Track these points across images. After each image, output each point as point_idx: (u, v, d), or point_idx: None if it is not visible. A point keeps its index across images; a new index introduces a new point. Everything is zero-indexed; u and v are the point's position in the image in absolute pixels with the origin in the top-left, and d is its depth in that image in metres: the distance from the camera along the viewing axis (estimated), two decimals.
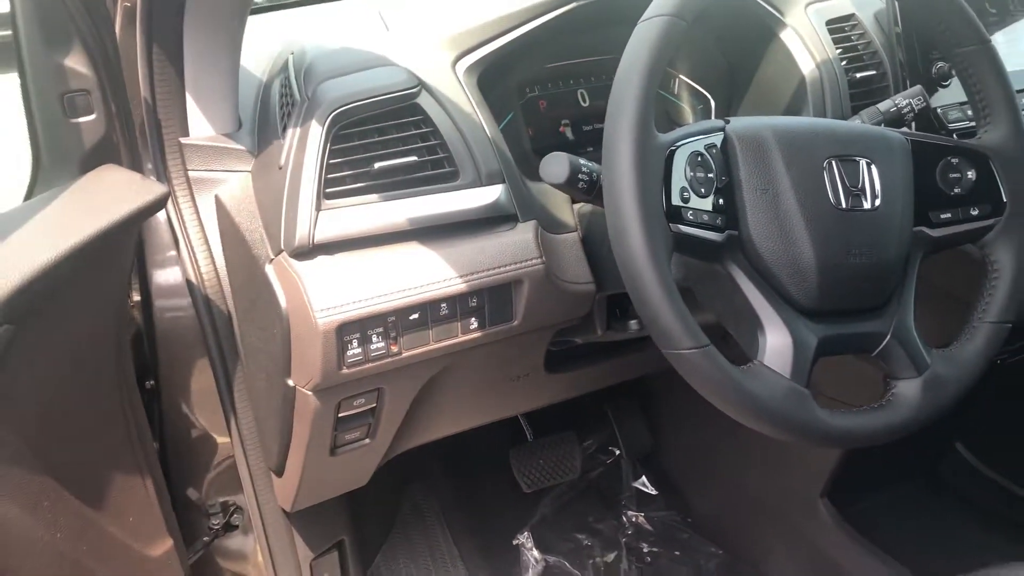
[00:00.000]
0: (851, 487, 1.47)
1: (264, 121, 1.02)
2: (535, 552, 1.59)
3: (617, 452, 1.74)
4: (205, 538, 1.10)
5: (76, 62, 0.83)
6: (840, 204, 0.81)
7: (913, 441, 1.57)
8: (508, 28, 1.01)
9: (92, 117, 0.86)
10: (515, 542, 1.59)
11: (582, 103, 1.16)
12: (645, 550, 1.62)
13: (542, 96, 1.14)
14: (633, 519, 1.67)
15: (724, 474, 1.62)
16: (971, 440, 1.56)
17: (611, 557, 1.61)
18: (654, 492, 1.71)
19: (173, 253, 1.02)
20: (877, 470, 1.54)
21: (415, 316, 0.90)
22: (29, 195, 0.89)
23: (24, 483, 0.75)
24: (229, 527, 1.13)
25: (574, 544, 1.62)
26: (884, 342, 0.84)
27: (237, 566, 1.14)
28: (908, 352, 0.84)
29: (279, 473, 1.08)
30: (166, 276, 1.02)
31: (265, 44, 1.11)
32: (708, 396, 0.77)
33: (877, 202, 0.83)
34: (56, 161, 0.87)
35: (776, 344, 0.79)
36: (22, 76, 0.84)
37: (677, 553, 1.61)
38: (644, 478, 1.73)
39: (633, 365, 1.31)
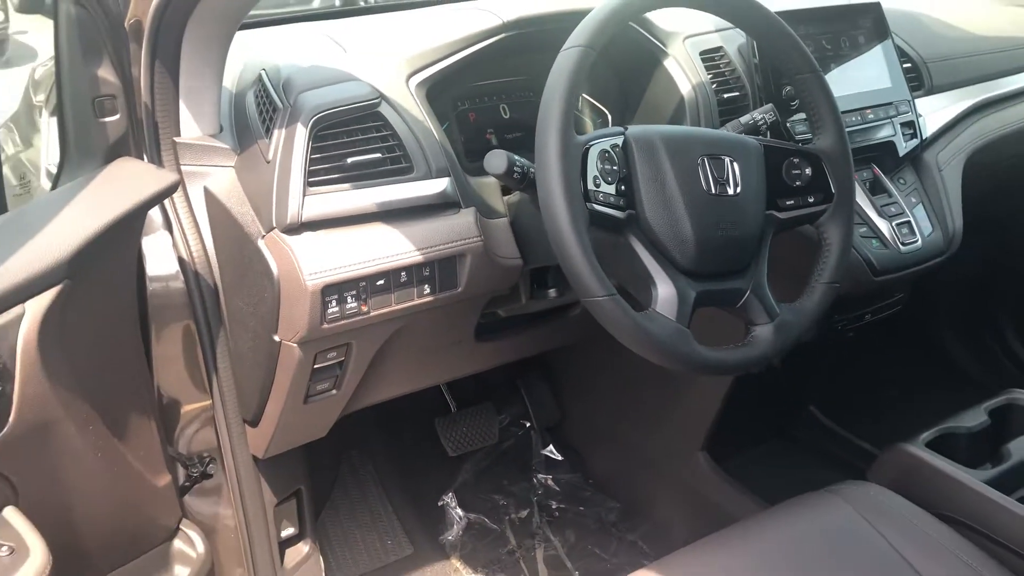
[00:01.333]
0: (725, 443, 1.75)
1: (243, 125, 1.21)
2: (459, 510, 1.80)
3: (528, 424, 1.98)
4: (186, 483, 1.27)
5: (105, 72, 1.02)
6: (711, 190, 1.07)
7: (775, 405, 1.88)
8: (450, 53, 1.25)
9: (116, 117, 1.04)
10: (440, 503, 1.81)
11: (503, 115, 1.40)
12: (554, 507, 1.86)
13: (471, 109, 1.37)
14: (543, 481, 1.91)
15: (619, 438, 1.88)
16: (821, 403, 1.88)
17: (524, 514, 1.84)
18: (560, 458, 1.96)
19: (166, 234, 1.19)
20: (746, 430, 1.82)
21: (381, 282, 1.12)
22: (56, 181, 1.06)
23: (79, 409, 0.93)
24: (205, 476, 1.30)
25: (492, 504, 1.85)
26: (744, 297, 1.10)
27: (212, 508, 1.31)
28: (763, 304, 1.11)
29: (254, 424, 1.27)
30: (160, 254, 1.19)
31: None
32: (614, 334, 1.01)
33: (738, 189, 1.09)
34: (84, 153, 1.04)
35: (665, 295, 1.04)
36: (58, 83, 1.01)
37: (581, 508, 1.86)
38: (551, 446, 1.97)
39: (545, 338, 1.55)
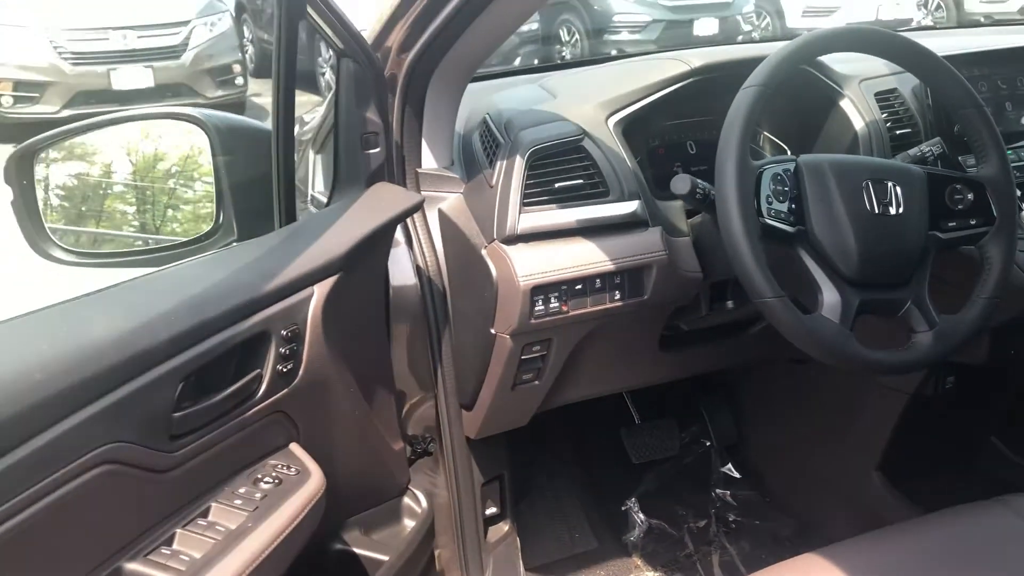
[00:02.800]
0: (902, 466, 1.81)
1: (470, 159, 1.47)
2: (641, 515, 1.96)
3: (708, 443, 2.12)
4: (411, 457, 1.52)
5: (371, 114, 1.29)
6: (874, 210, 1.21)
7: (954, 433, 1.92)
8: (643, 96, 1.45)
9: (377, 150, 1.32)
10: (623, 507, 1.98)
11: (690, 151, 1.59)
12: (731, 519, 1.98)
13: (661, 145, 1.57)
14: (721, 496, 2.04)
15: (795, 458, 1.98)
16: (1003, 434, 1.90)
17: (702, 523, 1.98)
18: (738, 476, 2.08)
19: (404, 247, 1.45)
20: (925, 455, 1.87)
21: (579, 287, 1.33)
22: (330, 199, 1.35)
23: (344, 373, 1.19)
24: (427, 452, 1.54)
25: (671, 512, 1.99)
26: (906, 306, 1.23)
27: (430, 480, 1.54)
28: (923, 314, 1.22)
29: (469, 408, 1.50)
30: (401, 263, 1.45)
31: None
32: (783, 332, 1.16)
33: (900, 210, 1.23)
34: (352, 178, 1.32)
35: (830, 301, 1.19)
36: (336, 121, 1.30)
37: (757, 522, 1.97)
38: (730, 464, 2.10)
39: (724, 354, 1.71)
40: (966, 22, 9.38)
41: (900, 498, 1.77)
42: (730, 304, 1.50)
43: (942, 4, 10.47)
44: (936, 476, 1.91)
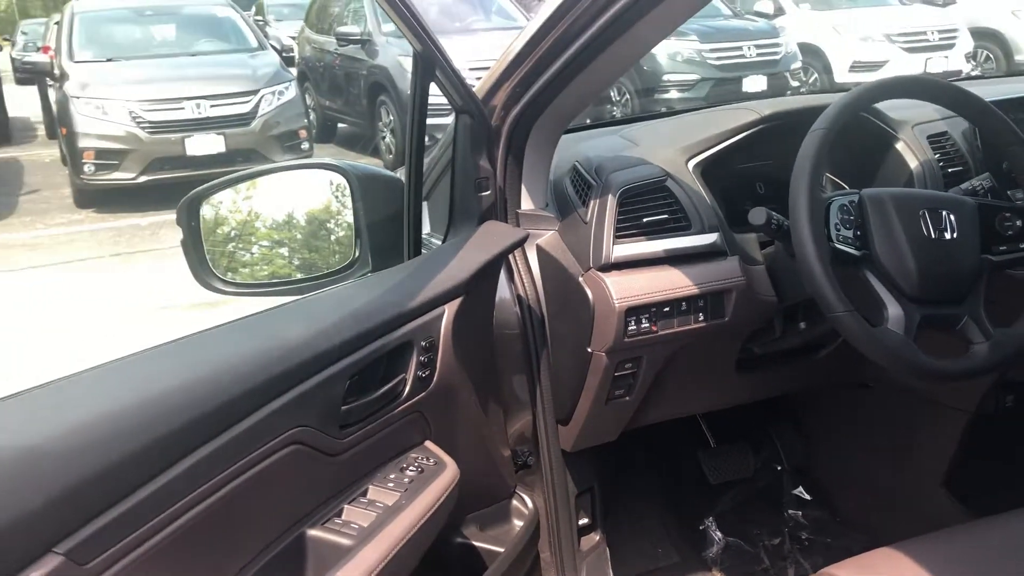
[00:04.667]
0: (970, 484, 1.93)
1: (562, 200, 1.66)
2: (718, 533, 2.10)
3: (779, 467, 2.25)
4: (514, 469, 1.68)
5: (483, 161, 1.50)
6: (931, 235, 1.38)
7: (1017, 452, 2.03)
8: (719, 142, 1.64)
9: (488, 192, 1.52)
10: (701, 526, 2.11)
11: (759, 191, 1.77)
12: (803, 537, 2.11)
13: (733, 185, 1.75)
14: (794, 516, 2.16)
15: (863, 478, 2.10)
16: None
17: (776, 541, 2.10)
18: (809, 498, 2.20)
19: (504, 279, 1.64)
20: (993, 474, 1.99)
21: (667, 309, 1.51)
22: (446, 235, 1.55)
23: (467, 382, 1.37)
24: (526, 464, 1.71)
25: (747, 531, 2.12)
26: (963, 321, 1.38)
27: (529, 495, 1.70)
28: (979, 327, 1.38)
29: (565, 423, 1.67)
30: (502, 292, 1.64)
31: None
32: (853, 343, 1.32)
33: (955, 235, 1.39)
34: (466, 217, 1.52)
35: (894, 316, 1.35)
36: (453, 168, 1.51)
37: (829, 540, 2.09)
38: (801, 487, 2.22)
39: (795, 377, 1.86)
40: (1016, 71, 9.49)
41: (967, 513, 1.88)
42: (802, 325, 1.66)
43: (991, 56, 10.60)
44: (1000, 491, 2.02)
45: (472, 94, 1.47)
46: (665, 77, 9.12)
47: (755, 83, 9.19)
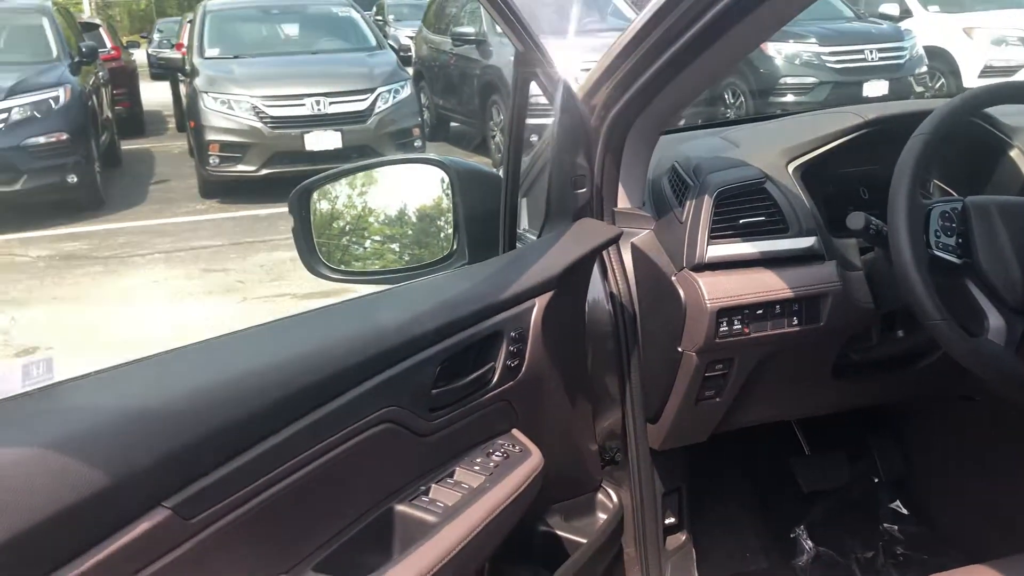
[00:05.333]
0: None
1: (659, 200, 1.67)
2: (809, 542, 2.07)
3: (876, 479, 2.20)
4: (601, 464, 1.71)
5: (580, 159, 1.53)
6: None
7: None
8: (820, 145, 1.63)
9: (584, 190, 1.55)
10: (792, 534, 2.09)
11: (863, 196, 1.74)
12: (899, 552, 2.06)
13: (834, 191, 1.73)
14: (889, 530, 2.11)
15: (967, 495, 2.04)
16: None
17: (870, 555, 2.06)
18: (906, 512, 2.15)
19: (597, 276, 1.66)
20: None
21: (760, 311, 1.50)
22: (542, 230, 1.59)
23: (554, 374, 1.40)
24: (613, 461, 1.73)
25: (839, 542, 2.09)
26: None
27: (615, 490, 1.72)
28: None
29: (654, 421, 1.68)
30: (595, 290, 1.66)
31: None
32: (951, 352, 1.30)
33: None
34: (561, 213, 1.56)
35: (996, 326, 1.31)
36: (553, 165, 1.55)
37: (925, 557, 2.03)
38: (898, 501, 2.17)
39: (894, 387, 1.82)
40: None
41: None
42: (900, 333, 1.62)
43: None
44: None
45: (572, 93, 1.50)
46: (782, 80, 8.94)
47: (876, 88, 8.91)
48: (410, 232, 1.60)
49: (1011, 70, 9.48)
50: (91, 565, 0.79)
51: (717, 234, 1.52)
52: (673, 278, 1.54)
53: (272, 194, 7.63)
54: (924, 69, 9.38)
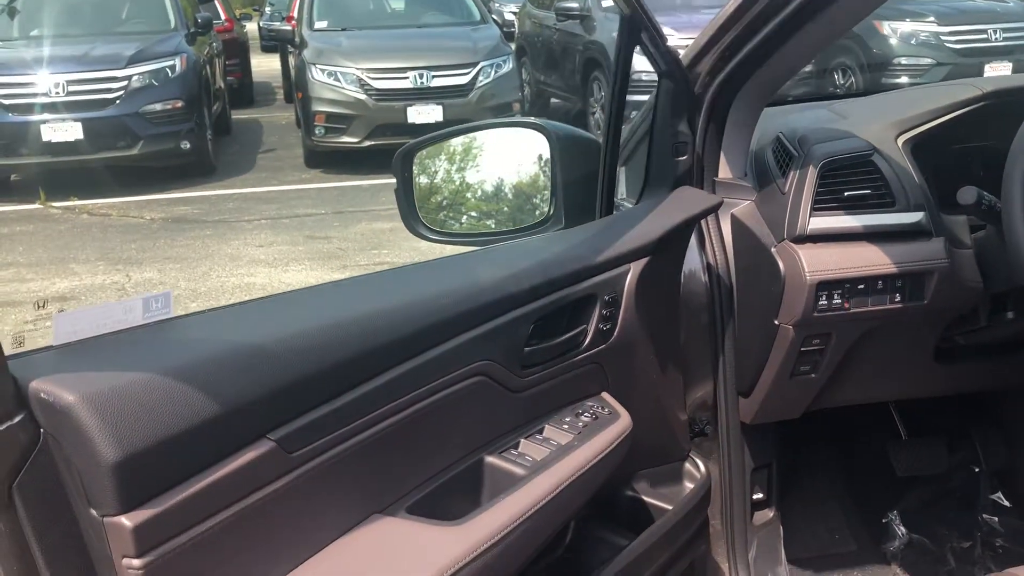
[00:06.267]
0: None
1: (762, 171, 1.65)
2: (902, 528, 2.02)
3: (977, 468, 2.13)
4: (690, 435, 1.70)
5: (682, 126, 1.53)
6: None
7: None
8: (933, 118, 1.58)
9: (685, 157, 1.55)
10: (884, 519, 2.04)
11: (978, 174, 1.67)
12: (998, 544, 1.99)
13: (946, 166, 1.67)
14: (988, 520, 2.04)
15: None
16: None
17: (967, 545, 2.00)
18: (1008, 504, 2.07)
19: (695, 246, 1.65)
20: None
21: (861, 286, 1.47)
22: (640, 196, 1.59)
23: (647, 340, 1.41)
24: (702, 433, 1.73)
25: (933, 531, 2.03)
26: None
27: (703, 461, 1.71)
28: None
29: (746, 395, 1.66)
30: (691, 260, 1.65)
31: None
32: None
33: None
34: (661, 180, 1.55)
35: None
36: (652, 130, 1.54)
37: None
38: (999, 493, 2.09)
39: (1001, 373, 1.75)
40: None
41: None
42: (1010, 315, 1.57)
43: None
44: None
45: (676, 58, 1.49)
46: (895, 60, 8.59)
47: (998, 69, 8.46)
48: (509, 195, 1.62)
49: None
50: (198, 489, 0.84)
51: (820, 206, 1.49)
52: (773, 249, 1.52)
53: (373, 165, 7.79)
54: None
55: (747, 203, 1.62)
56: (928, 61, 8.52)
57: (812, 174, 1.49)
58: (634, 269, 1.37)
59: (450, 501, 1.10)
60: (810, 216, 1.48)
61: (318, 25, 8.84)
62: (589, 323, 1.32)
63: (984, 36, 8.57)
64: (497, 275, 1.20)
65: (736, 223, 1.61)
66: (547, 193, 1.55)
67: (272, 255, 5.84)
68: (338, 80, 8.10)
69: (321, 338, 0.98)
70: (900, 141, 1.56)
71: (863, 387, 1.71)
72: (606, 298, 1.33)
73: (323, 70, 8.14)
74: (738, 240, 1.61)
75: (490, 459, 1.17)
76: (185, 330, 0.96)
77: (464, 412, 1.14)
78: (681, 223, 1.44)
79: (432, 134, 1.56)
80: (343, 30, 8.77)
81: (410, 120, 8.05)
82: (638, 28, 1.40)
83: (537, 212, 1.57)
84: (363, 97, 8.05)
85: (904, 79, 8.57)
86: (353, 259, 5.74)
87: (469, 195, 1.60)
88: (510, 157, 1.58)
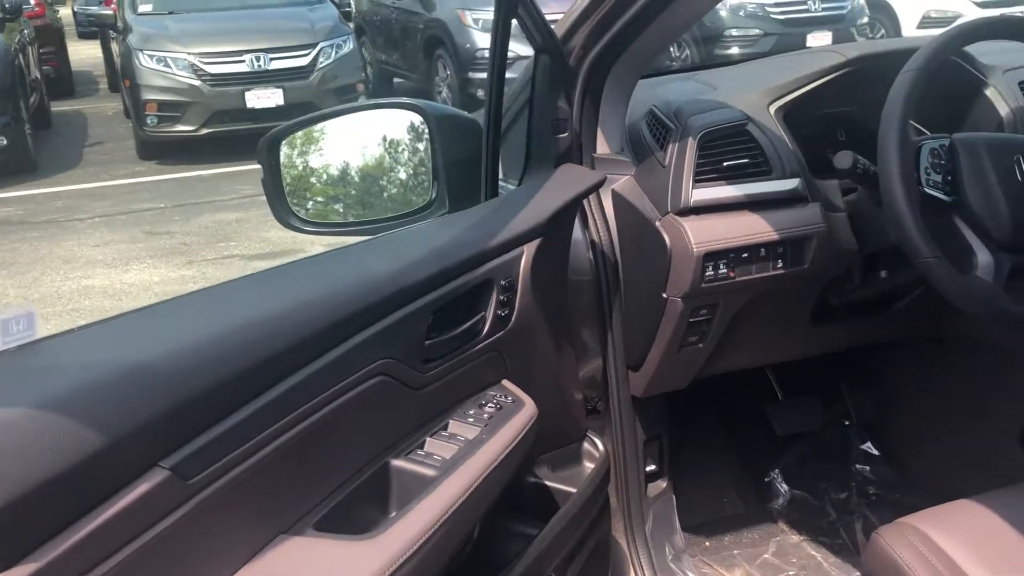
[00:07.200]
0: None
1: (638, 144, 1.63)
2: (784, 485, 2.08)
3: (847, 423, 2.22)
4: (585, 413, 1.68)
5: (561, 102, 1.49)
6: None
7: None
8: (802, 85, 1.61)
9: (566, 134, 1.51)
10: (767, 478, 2.10)
11: (840, 138, 1.72)
12: (871, 492, 2.09)
13: (813, 132, 1.71)
14: (861, 471, 2.14)
15: (934, 436, 2.07)
16: None
17: (843, 496, 2.09)
18: (877, 453, 2.18)
19: (579, 224, 1.63)
20: None
21: (745, 255, 1.48)
22: (522, 179, 1.54)
23: (542, 324, 1.37)
24: (595, 410, 1.71)
25: (813, 485, 2.11)
26: None
27: (595, 435, 1.70)
28: None
29: (636, 368, 1.66)
30: (575, 238, 1.62)
31: None
32: (940, 290, 1.29)
33: None
34: (542, 159, 1.51)
35: (984, 263, 1.31)
36: (531, 109, 1.50)
37: (897, 496, 2.07)
38: (869, 442, 2.20)
39: (870, 330, 1.83)
40: None
41: None
42: (883, 274, 1.62)
43: None
44: None
45: (553, 34, 1.45)
46: (727, 32, 8.94)
47: (820, 38, 8.95)
48: (387, 180, 1.54)
49: (948, 19, 9.60)
50: (88, 531, 0.73)
51: (701, 177, 1.50)
52: (657, 223, 1.51)
53: (213, 154, 7.43)
54: (866, 20, 9.46)
55: (627, 178, 1.61)
56: (756, 32, 8.91)
57: (692, 146, 1.49)
58: (527, 251, 1.33)
59: (360, 512, 1.03)
60: (692, 188, 1.48)
61: (142, 9, 8.32)
62: (487, 310, 1.27)
63: (805, 7, 9.04)
64: (391, 266, 1.13)
65: (618, 198, 1.59)
66: (429, 176, 1.49)
67: (110, 255, 5.47)
68: (168, 66, 7.67)
69: (210, 351, 0.89)
70: (772, 109, 1.58)
71: (746, 353, 1.74)
72: (503, 283, 1.28)
73: (151, 56, 7.69)
74: (621, 215, 1.60)
75: (397, 463, 1.10)
76: (54, 353, 0.84)
77: (366, 415, 1.07)
78: (569, 201, 1.41)
79: (301, 118, 1.46)
80: (170, 13, 8.30)
81: (249, 105, 7.73)
82: (515, 3, 1.34)
83: (419, 197, 1.50)
84: (197, 83, 7.66)
85: (735, 49, 8.93)
86: (199, 253, 5.46)
87: (345, 182, 1.51)
88: (388, 140, 1.51)
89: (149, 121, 7.66)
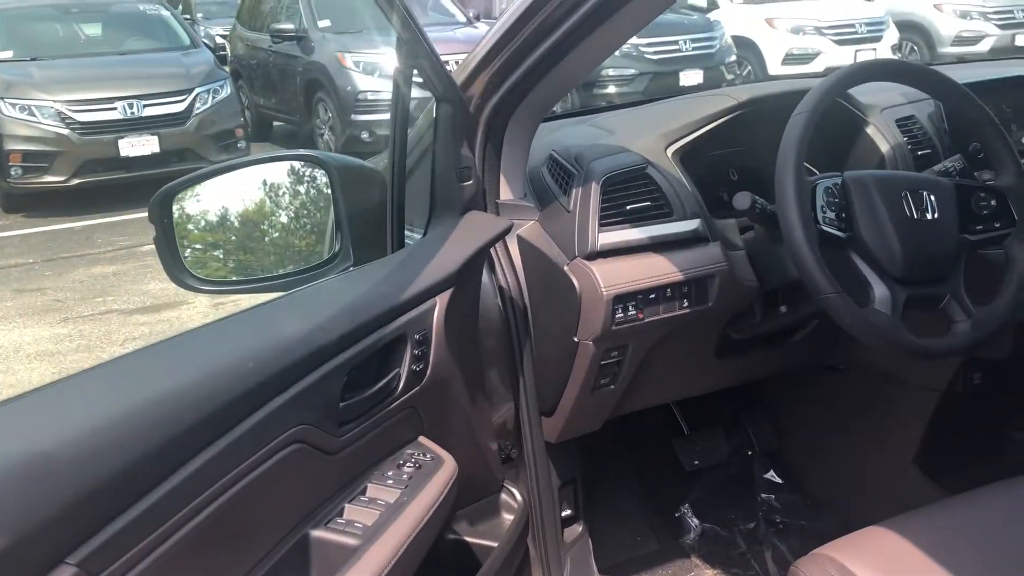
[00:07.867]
0: (939, 461, 1.97)
1: (541, 190, 1.64)
2: (694, 519, 2.11)
3: (750, 452, 2.27)
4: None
5: (465, 150, 1.47)
6: (913, 216, 1.39)
7: (986, 429, 2.07)
8: (696, 128, 1.64)
9: (471, 182, 1.49)
10: (677, 513, 2.12)
11: (731, 178, 1.77)
12: (777, 520, 2.13)
13: (706, 173, 1.75)
14: (767, 500, 2.18)
15: (833, 460, 2.13)
16: None
17: (751, 525, 2.12)
18: (780, 481, 2.23)
19: (487, 271, 1.62)
20: (962, 450, 2.02)
21: (653, 296, 1.50)
22: (427, 228, 1.52)
23: (458, 376, 1.34)
24: (508, 458, 1.69)
25: (722, 516, 2.14)
26: (945, 299, 1.40)
27: (511, 485, 1.68)
28: (960, 305, 1.40)
29: (549, 414, 1.65)
30: (483, 284, 1.61)
31: None
32: (842, 324, 1.33)
33: (936, 215, 1.41)
34: (447, 208, 1.49)
35: (880, 296, 1.36)
36: (434, 157, 1.48)
37: (803, 522, 2.11)
38: (772, 471, 2.25)
39: (770, 361, 1.87)
40: (941, 61, 9.76)
41: (937, 490, 1.92)
42: (783, 309, 1.67)
43: (914, 48, 10.90)
44: (969, 468, 2.07)
45: (453, 82, 1.44)
46: (603, 72, 9.16)
47: (691, 77, 9.29)
48: (289, 235, 1.49)
49: (810, 56, 10.15)
50: None
51: (606, 221, 1.51)
52: (566, 267, 1.51)
53: (86, 205, 7.11)
54: (733, 58, 9.88)
55: (531, 223, 1.61)
56: (632, 71, 9.18)
57: (595, 191, 1.50)
58: (440, 302, 1.30)
59: None
60: (599, 232, 1.49)
61: (1, 56, 7.93)
62: (402, 366, 1.23)
63: (676, 47, 9.37)
64: (302, 327, 1.08)
65: (524, 244, 1.59)
66: (331, 229, 1.45)
67: None
68: (33, 115, 7.32)
69: (113, 433, 0.82)
70: (669, 152, 1.61)
71: (655, 391, 1.76)
72: (416, 337, 1.25)
73: (14, 104, 7.32)
74: (528, 260, 1.59)
75: (316, 533, 1.05)
76: None
77: (283, 486, 1.01)
78: (479, 249, 1.39)
79: (193, 173, 1.40)
80: (32, 59, 7.94)
81: (123, 153, 7.44)
82: (415, 51, 1.33)
83: (321, 250, 1.46)
84: (65, 132, 7.33)
85: (612, 88, 9.17)
86: (75, 310, 5.18)
87: (243, 237, 1.45)
88: (287, 193, 1.46)
89: (13, 172, 7.28)
